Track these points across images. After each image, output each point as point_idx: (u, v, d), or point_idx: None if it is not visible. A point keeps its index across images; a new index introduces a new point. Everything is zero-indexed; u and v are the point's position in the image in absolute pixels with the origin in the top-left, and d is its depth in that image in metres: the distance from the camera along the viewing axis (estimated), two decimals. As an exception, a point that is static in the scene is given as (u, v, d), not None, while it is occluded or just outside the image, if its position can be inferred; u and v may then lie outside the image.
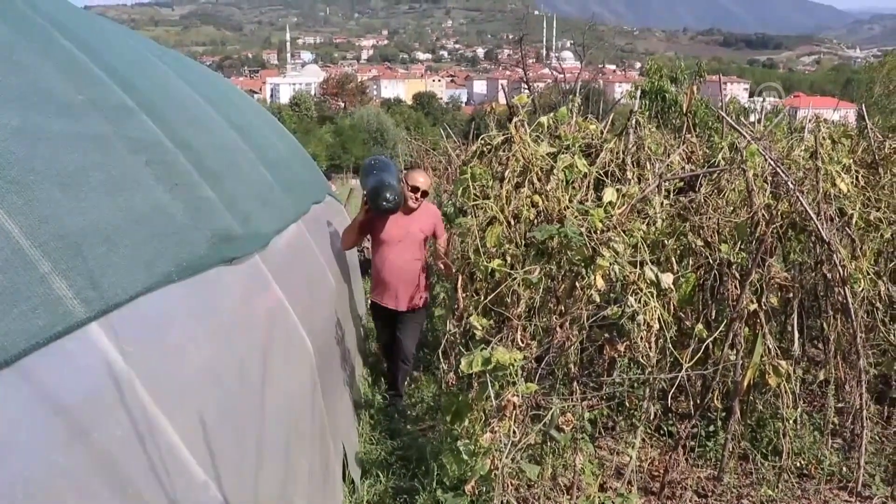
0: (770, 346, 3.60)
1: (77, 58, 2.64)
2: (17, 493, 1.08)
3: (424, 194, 5.05)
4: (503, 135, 3.36)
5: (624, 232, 3.30)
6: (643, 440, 4.35)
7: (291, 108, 66.90)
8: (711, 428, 4.23)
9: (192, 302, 2.09)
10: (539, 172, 3.31)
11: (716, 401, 3.80)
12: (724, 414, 4.02)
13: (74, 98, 2.29)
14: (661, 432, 4.41)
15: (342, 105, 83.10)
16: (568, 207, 3.22)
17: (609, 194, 3.30)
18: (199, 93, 4.34)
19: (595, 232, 3.19)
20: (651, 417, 4.07)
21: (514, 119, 3.29)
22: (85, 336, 1.42)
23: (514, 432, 2.93)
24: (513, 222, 3.33)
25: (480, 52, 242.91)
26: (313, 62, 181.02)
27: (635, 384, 4.10)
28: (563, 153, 3.76)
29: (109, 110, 2.51)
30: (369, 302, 5.44)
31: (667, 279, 3.00)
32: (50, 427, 1.22)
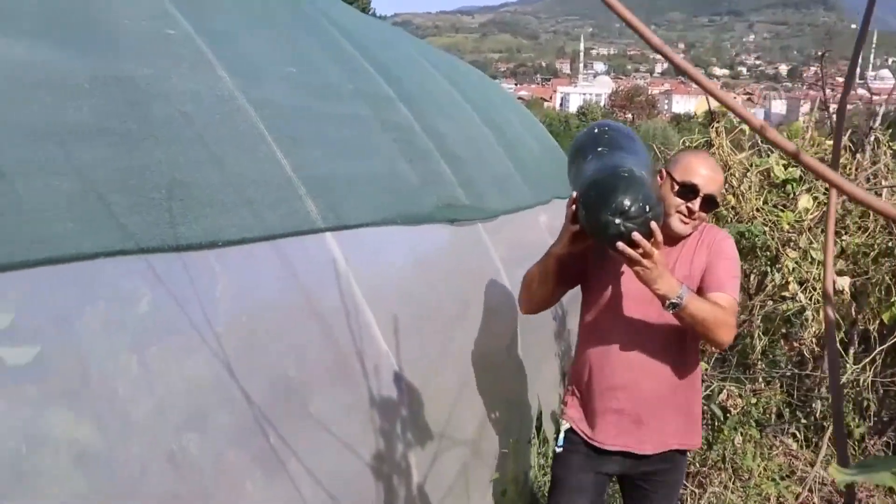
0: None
1: (355, 58, 3.49)
2: (254, 315, 1.81)
3: (710, 205, 2.28)
4: (703, 139, 3.64)
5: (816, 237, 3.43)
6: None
7: (578, 117, 67.81)
8: (921, 453, 4.08)
9: (407, 242, 2.78)
10: (736, 175, 3.56)
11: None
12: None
13: (346, 88, 3.10)
14: (865, 451, 4.32)
15: (630, 117, 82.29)
16: (760, 209, 3.44)
17: (804, 200, 3.45)
18: (461, 93, 5.13)
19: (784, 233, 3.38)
20: (847, 432, 4.05)
21: (715, 125, 3.56)
22: (320, 239, 2.15)
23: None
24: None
25: (783, 69, 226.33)
26: (605, 73, 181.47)
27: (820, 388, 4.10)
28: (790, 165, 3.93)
29: (373, 99, 3.31)
30: (562, 430, 2.47)
31: (843, 282, 3.11)
32: (285, 281, 1.94)
